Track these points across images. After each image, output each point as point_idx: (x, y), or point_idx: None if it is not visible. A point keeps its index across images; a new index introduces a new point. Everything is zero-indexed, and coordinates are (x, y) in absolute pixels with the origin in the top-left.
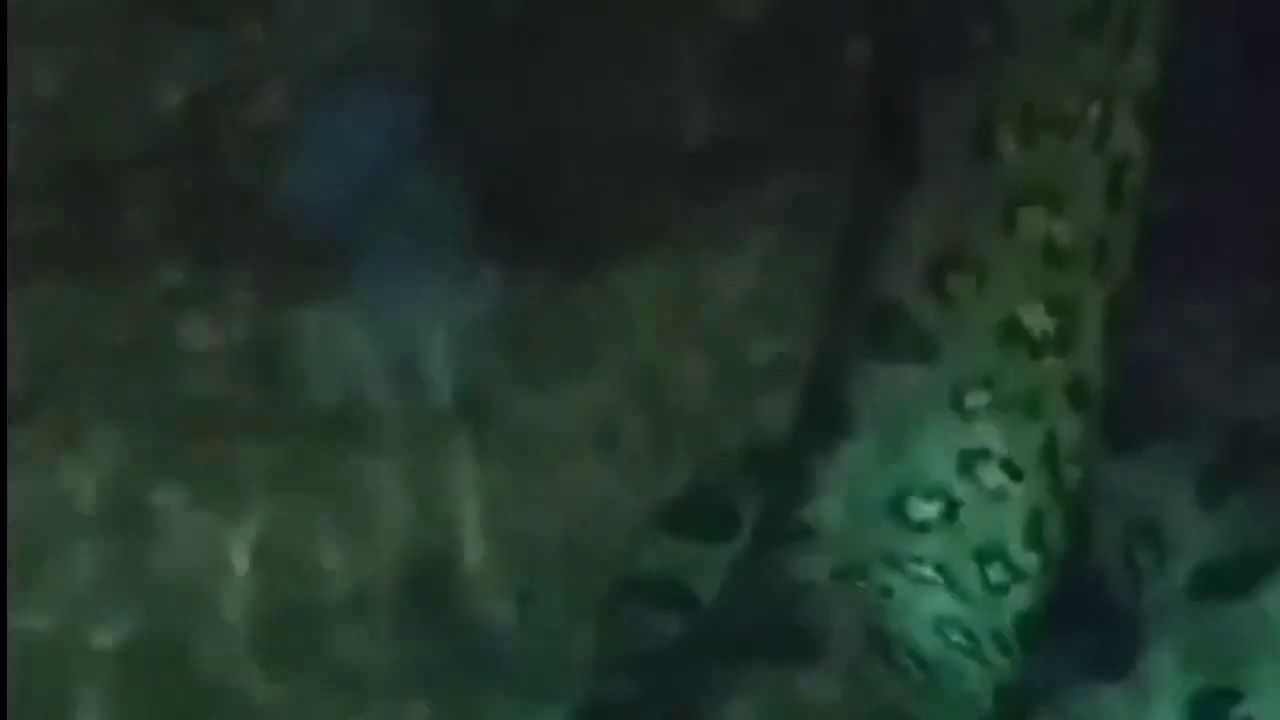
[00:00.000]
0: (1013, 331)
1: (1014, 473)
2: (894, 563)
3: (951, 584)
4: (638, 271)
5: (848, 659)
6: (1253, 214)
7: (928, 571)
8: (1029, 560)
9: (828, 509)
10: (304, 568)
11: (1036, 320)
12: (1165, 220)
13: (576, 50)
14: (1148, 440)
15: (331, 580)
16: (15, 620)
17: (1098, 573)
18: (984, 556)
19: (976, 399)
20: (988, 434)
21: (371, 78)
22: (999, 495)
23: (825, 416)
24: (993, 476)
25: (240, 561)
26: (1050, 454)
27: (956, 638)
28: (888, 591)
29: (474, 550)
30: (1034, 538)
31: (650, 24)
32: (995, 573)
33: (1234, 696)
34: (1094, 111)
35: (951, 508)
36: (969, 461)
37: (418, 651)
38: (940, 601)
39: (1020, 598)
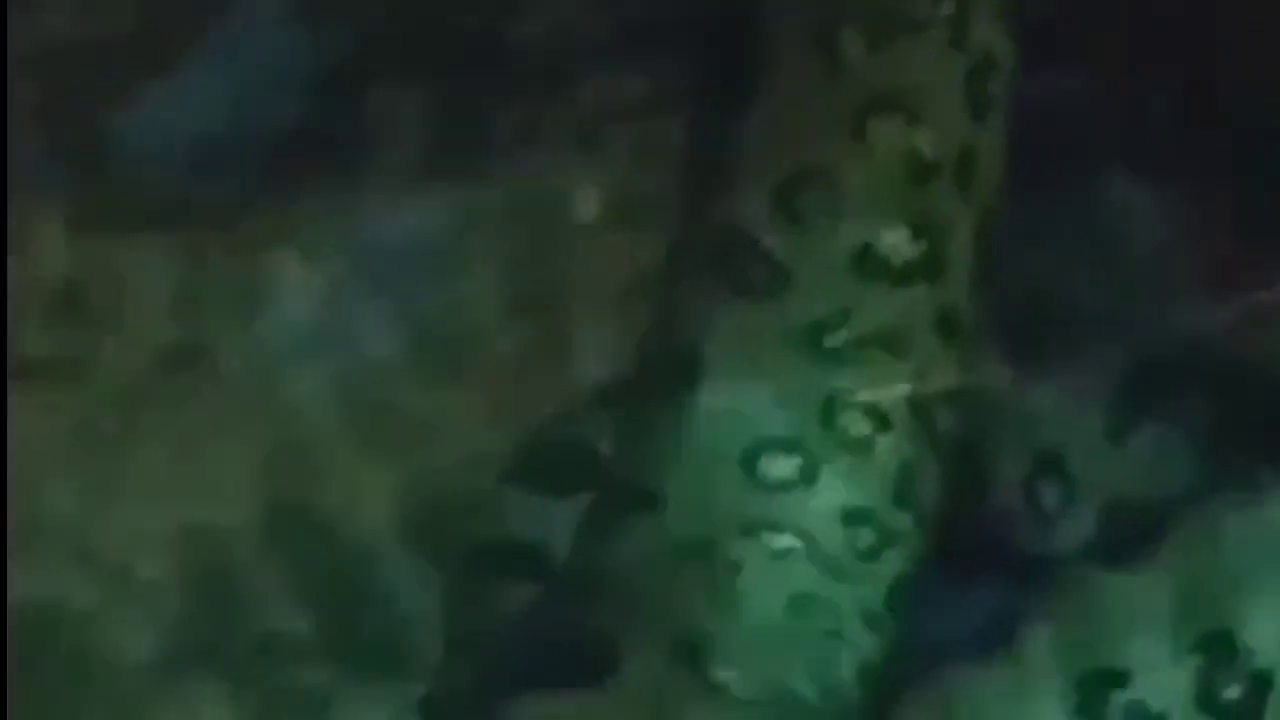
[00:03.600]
0: (871, 258)
1: (880, 420)
2: (748, 530)
3: (813, 553)
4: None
5: (646, 677)
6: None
7: (786, 540)
8: (901, 520)
9: (674, 470)
10: None
11: (899, 244)
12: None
13: None
14: (1049, 370)
15: None
16: None
17: (997, 519)
18: (850, 519)
19: (835, 337)
20: (849, 376)
21: None
22: (864, 447)
23: (671, 361)
24: (856, 425)
25: None
26: (920, 396)
27: (817, 618)
28: (736, 567)
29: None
30: (905, 494)
31: None
32: (864, 536)
33: (1120, 678)
34: (947, 7)
35: (811, 464)
36: (829, 409)
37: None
38: (799, 575)
39: (893, 563)
